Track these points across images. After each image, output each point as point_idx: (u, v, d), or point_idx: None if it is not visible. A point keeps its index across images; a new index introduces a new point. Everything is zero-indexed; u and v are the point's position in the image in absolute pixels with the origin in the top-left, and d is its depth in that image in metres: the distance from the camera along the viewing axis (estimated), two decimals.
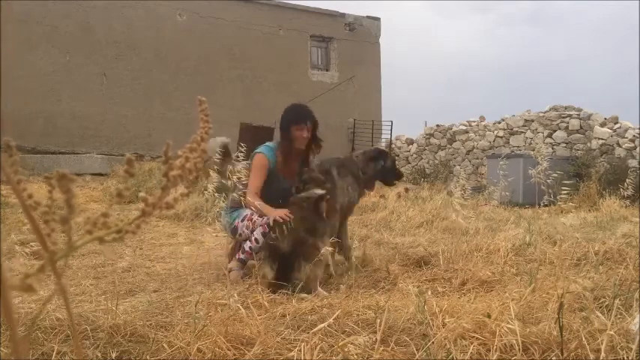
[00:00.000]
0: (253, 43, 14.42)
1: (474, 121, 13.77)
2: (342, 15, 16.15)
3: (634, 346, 1.66)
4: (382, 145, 15.77)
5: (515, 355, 1.74)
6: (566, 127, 11.36)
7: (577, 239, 4.05)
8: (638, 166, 9.05)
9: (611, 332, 1.75)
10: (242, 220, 3.36)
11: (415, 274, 3.29)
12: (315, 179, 3.30)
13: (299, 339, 1.97)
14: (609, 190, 7.52)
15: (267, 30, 14.77)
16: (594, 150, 10.59)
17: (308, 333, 2.02)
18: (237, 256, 3.34)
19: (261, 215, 3.31)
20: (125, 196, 0.49)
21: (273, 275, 2.94)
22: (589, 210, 7.31)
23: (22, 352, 0.44)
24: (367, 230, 5.25)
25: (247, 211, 3.37)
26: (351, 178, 3.62)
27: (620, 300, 2.10)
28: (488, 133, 13.11)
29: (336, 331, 2.05)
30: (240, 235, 3.39)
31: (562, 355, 1.76)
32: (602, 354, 1.67)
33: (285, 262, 2.95)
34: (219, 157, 3.03)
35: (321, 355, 1.79)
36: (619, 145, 10.32)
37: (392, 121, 15.61)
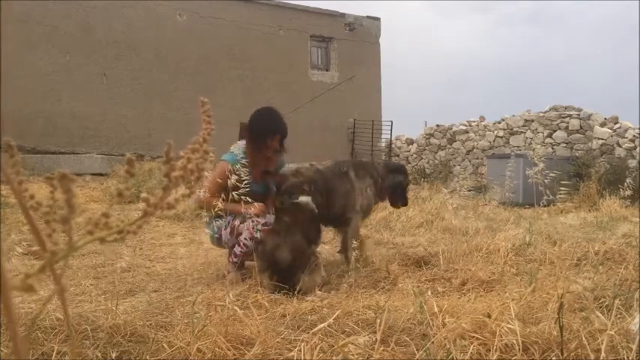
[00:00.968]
0: (253, 43, 14.41)
1: (474, 121, 13.77)
2: (342, 15, 16.15)
3: (634, 346, 1.66)
4: (382, 144, 15.78)
5: (515, 355, 1.74)
6: (566, 127, 11.36)
7: (577, 239, 4.05)
8: (638, 166, 9.05)
9: (611, 332, 1.75)
10: (225, 229, 3.35)
11: (415, 274, 3.29)
12: (296, 187, 3.19)
13: (299, 339, 1.97)
14: (609, 190, 7.52)
15: (267, 30, 14.76)
16: (594, 150, 10.59)
17: (308, 333, 2.02)
18: (229, 260, 3.36)
19: (243, 221, 3.28)
20: (125, 196, 0.49)
21: (273, 287, 2.90)
22: (589, 210, 7.31)
23: (22, 352, 0.44)
24: (367, 230, 5.25)
25: (229, 218, 3.31)
26: (369, 180, 3.63)
27: (620, 300, 2.09)
28: (488, 133, 13.11)
29: (336, 331, 2.05)
30: (227, 243, 3.36)
31: (562, 355, 1.76)
32: (602, 354, 1.67)
33: (282, 272, 2.90)
34: None
35: (321, 355, 1.79)
36: (619, 145, 10.31)
37: (392, 121, 15.62)
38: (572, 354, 1.75)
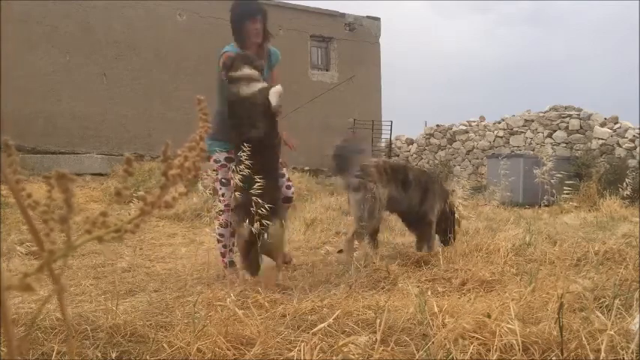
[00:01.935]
0: None
1: (474, 121, 13.77)
2: (342, 15, 16.14)
3: (634, 346, 1.66)
4: (382, 144, 15.77)
5: (515, 355, 1.74)
6: (566, 127, 11.36)
7: (577, 239, 4.05)
8: (638, 166, 9.04)
9: (611, 332, 1.75)
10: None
11: (415, 274, 3.29)
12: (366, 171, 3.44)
13: (299, 339, 1.97)
14: (609, 190, 7.52)
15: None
16: (594, 150, 10.59)
17: (308, 333, 2.02)
18: (222, 262, 3.38)
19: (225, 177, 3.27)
20: (124, 195, 0.49)
21: (249, 233, 2.95)
22: (589, 210, 7.30)
23: (18, 353, 0.44)
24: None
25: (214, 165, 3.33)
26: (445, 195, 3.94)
27: (620, 300, 2.09)
28: (488, 133, 13.11)
29: (336, 331, 2.05)
30: (222, 194, 3.36)
31: (562, 355, 1.75)
32: (602, 354, 1.67)
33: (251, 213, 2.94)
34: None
35: (321, 355, 1.79)
36: (619, 145, 10.31)
37: (392, 121, 15.61)
38: (572, 354, 1.75)
